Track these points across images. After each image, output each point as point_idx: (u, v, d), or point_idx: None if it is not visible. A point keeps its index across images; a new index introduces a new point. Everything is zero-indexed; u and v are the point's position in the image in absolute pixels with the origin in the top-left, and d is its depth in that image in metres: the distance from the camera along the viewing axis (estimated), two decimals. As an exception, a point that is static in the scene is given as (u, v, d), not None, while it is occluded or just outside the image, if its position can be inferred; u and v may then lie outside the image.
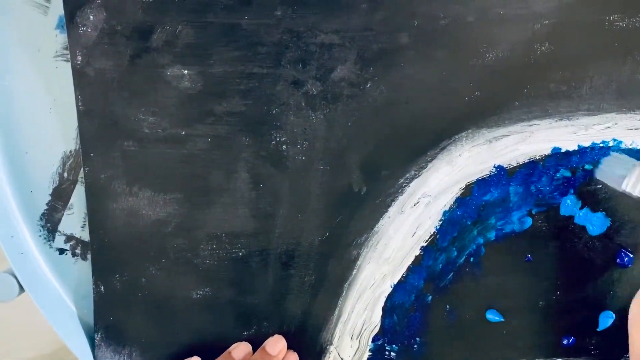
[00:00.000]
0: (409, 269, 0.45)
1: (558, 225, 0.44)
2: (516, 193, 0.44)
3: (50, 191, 0.44)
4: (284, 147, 0.43)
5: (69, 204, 0.45)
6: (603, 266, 0.45)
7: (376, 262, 0.44)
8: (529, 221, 0.44)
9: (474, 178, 0.44)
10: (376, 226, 0.44)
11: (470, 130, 0.43)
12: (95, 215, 0.43)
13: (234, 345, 0.45)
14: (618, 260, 0.44)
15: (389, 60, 0.42)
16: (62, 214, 0.45)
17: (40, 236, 0.45)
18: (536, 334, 0.45)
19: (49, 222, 0.45)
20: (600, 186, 0.43)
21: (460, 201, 0.44)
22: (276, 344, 0.44)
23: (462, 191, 0.44)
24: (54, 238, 0.45)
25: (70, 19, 0.41)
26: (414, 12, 0.41)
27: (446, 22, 0.41)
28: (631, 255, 0.44)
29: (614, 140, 0.43)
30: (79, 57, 0.41)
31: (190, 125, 0.42)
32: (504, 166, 0.43)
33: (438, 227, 0.44)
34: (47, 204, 0.45)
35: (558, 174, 0.43)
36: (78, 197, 0.44)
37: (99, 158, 0.43)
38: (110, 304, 0.45)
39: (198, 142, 0.43)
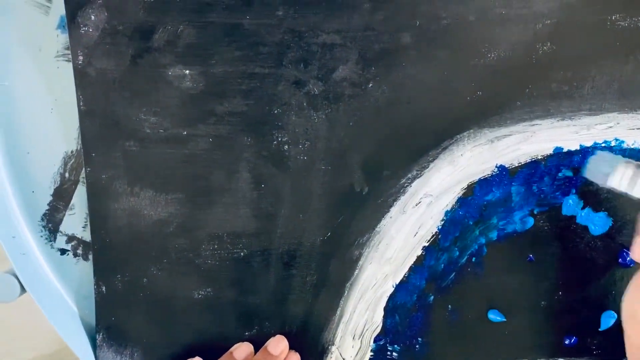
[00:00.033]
0: (410, 269, 0.45)
1: (560, 225, 0.44)
2: (518, 193, 0.44)
3: (51, 191, 0.44)
4: (286, 147, 0.43)
5: (70, 204, 0.45)
6: (605, 266, 0.45)
7: (378, 262, 0.44)
8: (531, 221, 0.44)
9: (475, 178, 0.43)
10: (378, 226, 0.44)
11: (472, 130, 0.43)
12: (96, 216, 0.43)
13: (236, 345, 0.45)
14: (620, 260, 0.44)
15: (391, 60, 0.42)
16: (64, 214, 0.45)
17: (41, 236, 0.45)
18: (538, 334, 0.45)
19: (51, 222, 0.45)
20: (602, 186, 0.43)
21: (462, 201, 0.44)
22: (278, 344, 0.44)
23: (464, 191, 0.44)
24: (55, 238, 0.45)
25: (72, 19, 0.41)
26: (415, 12, 0.41)
27: (448, 22, 0.41)
28: (633, 255, 0.44)
29: (616, 140, 0.43)
30: (81, 57, 0.41)
31: (191, 125, 0.42)
32: (506, 166, 0.43)
33: (440, 227, 0.44)
34: (48, 204, 0.45)
35: (560, 174, 0.43)
36: (79, 198, 0.44)
37: (100, 158, 0.43)
38: (112, 304, 0.45)
39: (199, 142, 0.43)
